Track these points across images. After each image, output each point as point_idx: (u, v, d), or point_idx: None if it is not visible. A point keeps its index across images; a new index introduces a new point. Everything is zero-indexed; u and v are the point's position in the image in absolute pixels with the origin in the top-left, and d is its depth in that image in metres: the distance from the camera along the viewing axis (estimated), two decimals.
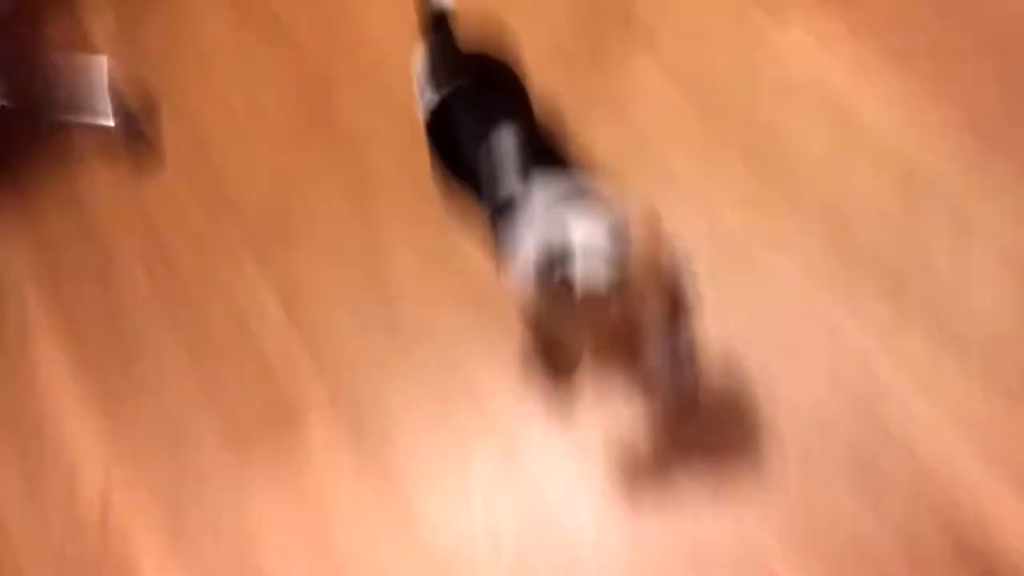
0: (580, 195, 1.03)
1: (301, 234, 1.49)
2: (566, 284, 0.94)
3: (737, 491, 1.21)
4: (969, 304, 1.28)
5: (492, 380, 1.32)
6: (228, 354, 1.41)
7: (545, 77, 1.32)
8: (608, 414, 1.28)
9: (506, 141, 1.10)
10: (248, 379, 1.39)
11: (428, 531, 1.25)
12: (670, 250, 0.99)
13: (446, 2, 1.22)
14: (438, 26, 1.22)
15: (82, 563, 1.31)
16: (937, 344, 1.25)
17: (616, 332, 0.94)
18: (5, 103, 1.64)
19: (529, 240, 1.01)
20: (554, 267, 0.95)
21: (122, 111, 1.62)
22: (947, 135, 1.39)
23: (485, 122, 1.13)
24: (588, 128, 1.46)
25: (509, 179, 1.08)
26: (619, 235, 0.96)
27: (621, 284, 0.94)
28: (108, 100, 1.62)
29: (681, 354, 1.02)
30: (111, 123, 1.61)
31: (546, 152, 1.14)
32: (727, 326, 1.30)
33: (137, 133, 1.62)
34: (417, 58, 1.25)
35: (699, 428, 1.25)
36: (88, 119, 1.62)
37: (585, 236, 0.95)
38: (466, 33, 1.24)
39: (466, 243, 1.41)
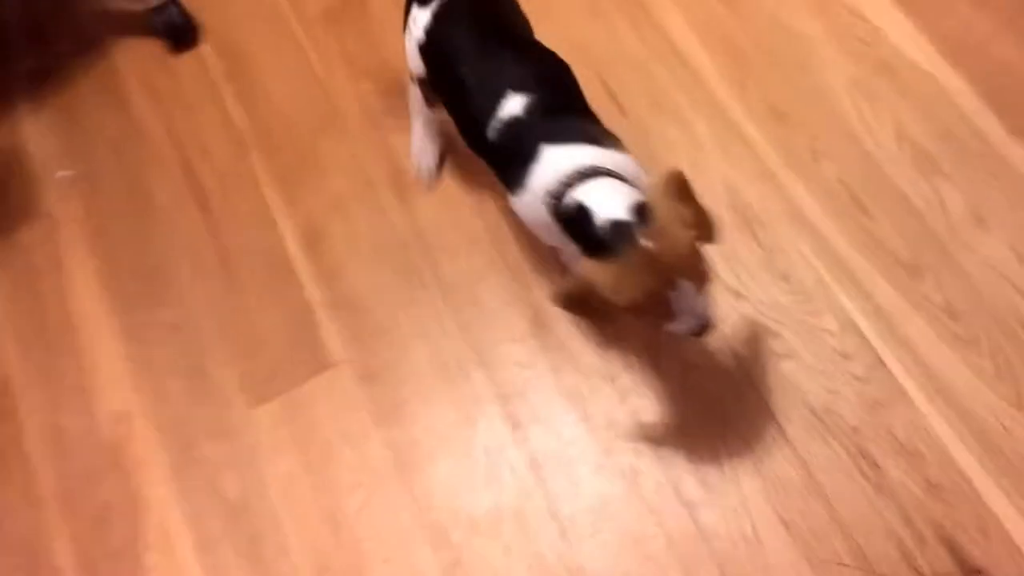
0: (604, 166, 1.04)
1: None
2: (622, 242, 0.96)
3: (736, 463, 1.22)
4: (980, 296, 1.28)
5: (504, 346, 1.34)
6: (254, 299, 1.44)
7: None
8: (618, 387, 1.30)
9: (514, 105, 1.09)
10: (270, 328, 1.41)
11: (434, 497, 1.27)
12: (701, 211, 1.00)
13: None
14: None
15: (89, 479, 1.34)
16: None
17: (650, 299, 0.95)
18: None
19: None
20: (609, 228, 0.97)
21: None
22: None
23: (486, 43, 1.13)
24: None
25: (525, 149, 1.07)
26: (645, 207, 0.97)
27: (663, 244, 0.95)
28: None
29: (701, 317, 1.03)
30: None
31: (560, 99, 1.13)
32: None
33: (181, 30, 1.67)
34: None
35: (703, 399, 1.27)
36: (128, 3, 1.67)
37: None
38: None
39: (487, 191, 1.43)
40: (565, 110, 1.13)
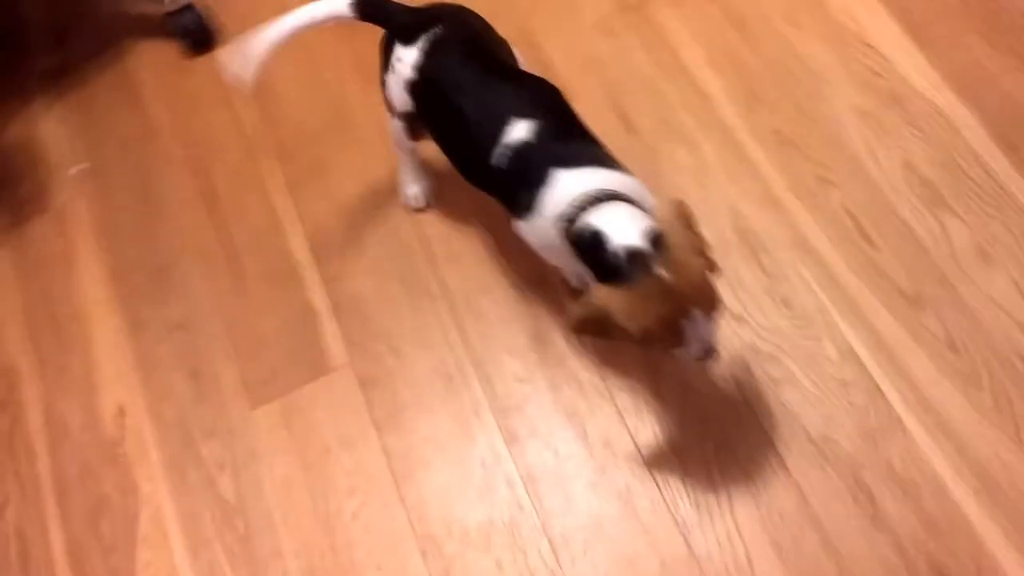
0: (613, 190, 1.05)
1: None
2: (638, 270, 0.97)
3: (732, 488, 1.22)
4: (981, 330, 1.28)
5: (505, 359, 1.35)
6: (259, 301, 1.46)
7: None
8: (616, 406, 1.30)
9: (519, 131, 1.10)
10: (273, 330, 1.43)
11: (429, 506, 1.28)
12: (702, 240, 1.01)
13: None
14: None
15: (87, 472, 1.35)
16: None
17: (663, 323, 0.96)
18: None
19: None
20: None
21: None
22: None
23: (480, 76, 1.14)
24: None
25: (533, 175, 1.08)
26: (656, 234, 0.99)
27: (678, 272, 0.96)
28: None
29: (708, 344, 1.04)
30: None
31: (562, 124, 1.14)
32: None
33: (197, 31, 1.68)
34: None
35: (704, 421, 1.27)
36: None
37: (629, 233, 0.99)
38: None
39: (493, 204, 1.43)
40: (569, 134, 1.14)
